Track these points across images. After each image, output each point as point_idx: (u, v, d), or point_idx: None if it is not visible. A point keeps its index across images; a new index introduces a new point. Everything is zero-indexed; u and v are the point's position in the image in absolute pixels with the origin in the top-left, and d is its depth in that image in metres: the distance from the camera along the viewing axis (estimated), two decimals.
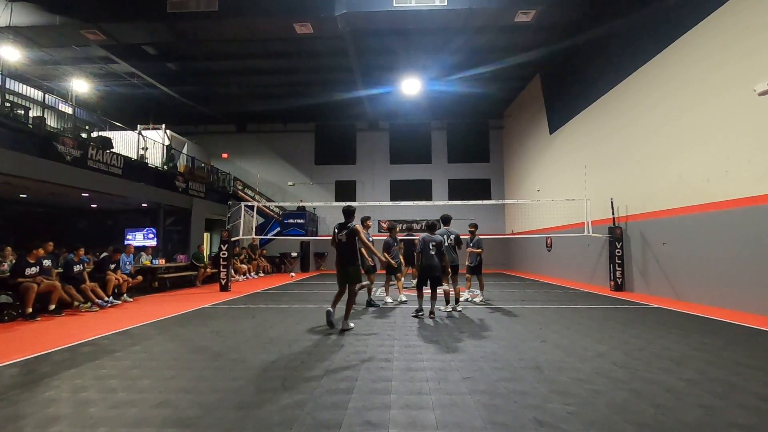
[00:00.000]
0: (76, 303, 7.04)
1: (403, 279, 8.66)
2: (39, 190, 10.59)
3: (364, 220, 7.42)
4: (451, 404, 2.89)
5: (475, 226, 8.35)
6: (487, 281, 10.40)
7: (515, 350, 4.36)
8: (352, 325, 5.60)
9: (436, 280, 6.44)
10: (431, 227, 6.71)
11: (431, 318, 6.30)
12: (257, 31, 12.35)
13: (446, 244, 6.86)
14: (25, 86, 10.82)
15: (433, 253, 6.38)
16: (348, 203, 6.08)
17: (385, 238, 8.31)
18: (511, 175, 19.44)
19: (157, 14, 11.19)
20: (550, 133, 14.47)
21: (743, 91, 6.63)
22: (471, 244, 8.15)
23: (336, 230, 5.55)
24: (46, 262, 7.27)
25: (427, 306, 6.59)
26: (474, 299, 8.15)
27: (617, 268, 9.75)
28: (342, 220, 5.65)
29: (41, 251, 6.99)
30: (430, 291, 6.64)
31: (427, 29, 12.15)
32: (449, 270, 6.87)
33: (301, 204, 17.18)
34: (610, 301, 8.17)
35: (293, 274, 16.28)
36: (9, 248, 7.80)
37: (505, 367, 3.75)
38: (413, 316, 6.43)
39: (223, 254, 10.57)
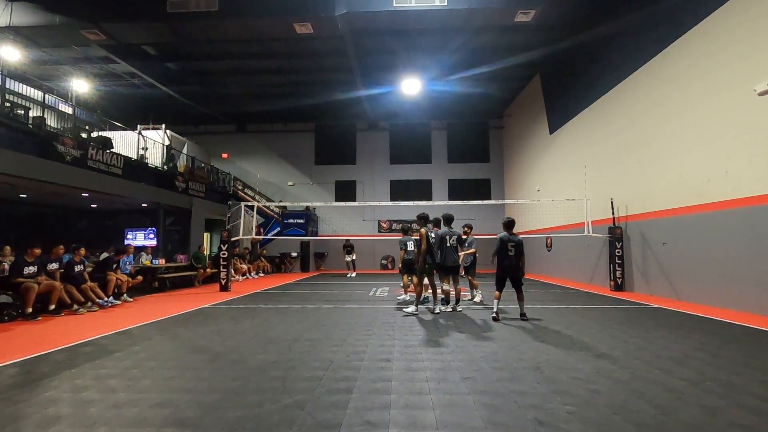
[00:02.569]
0: (75, 306, 7.04)
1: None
2: (39, 190, 10.58)
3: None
4: (451, 404, 2.89)
5: (470, 227, 8.48)
6: (486, 281, 10.41)
7: (515, 350, 4.36)
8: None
9: (518, 281, 6.17)
10: (509, 225, 6.36)
11: (524, 319, 6.01)
12: (257, 31, 12.35)
13: (448, 244, 6.87)
14: (25, 86, 10.80)
15: (512, 254, 6.10)
16: (447, 212, 7.31)
17: (399, 237, 8.21)
18: (511, 175, 19.43)
19: (157, 14, 11.20)
20: (550, 133, 14.46)
21: (743, 91, 6.63)
22: (466, 245, 8.20)
23: (445, 236, 6.89)
24: (52, 265, 7.27)
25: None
26: (475, 299, 8.17)
27: (617, 268, 9.75)
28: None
29: (38, 251, 6.97)
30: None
31: (427, 29, 12.15)
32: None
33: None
34: (610, 301, 8.17)
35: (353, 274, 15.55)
36: (8, 248, 7.79)
37: (505, 367, 3.75)
38: (494, 319, 6.05)
39: (223, 254, 10.57)
